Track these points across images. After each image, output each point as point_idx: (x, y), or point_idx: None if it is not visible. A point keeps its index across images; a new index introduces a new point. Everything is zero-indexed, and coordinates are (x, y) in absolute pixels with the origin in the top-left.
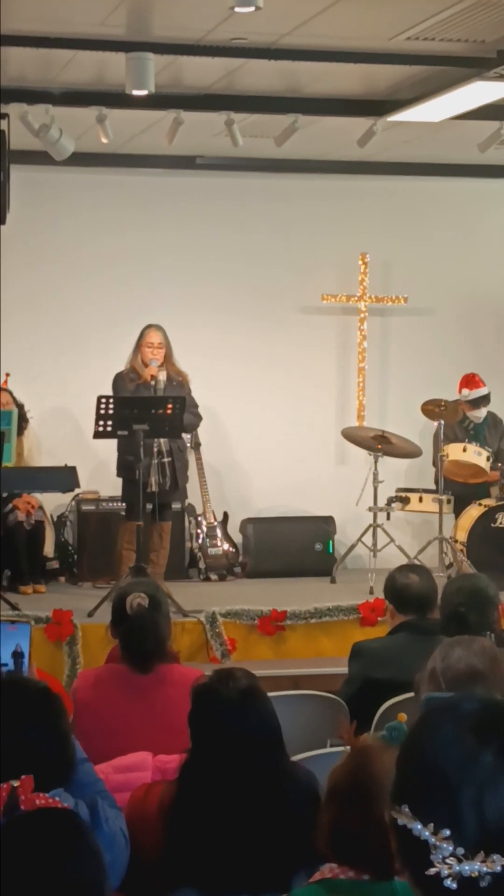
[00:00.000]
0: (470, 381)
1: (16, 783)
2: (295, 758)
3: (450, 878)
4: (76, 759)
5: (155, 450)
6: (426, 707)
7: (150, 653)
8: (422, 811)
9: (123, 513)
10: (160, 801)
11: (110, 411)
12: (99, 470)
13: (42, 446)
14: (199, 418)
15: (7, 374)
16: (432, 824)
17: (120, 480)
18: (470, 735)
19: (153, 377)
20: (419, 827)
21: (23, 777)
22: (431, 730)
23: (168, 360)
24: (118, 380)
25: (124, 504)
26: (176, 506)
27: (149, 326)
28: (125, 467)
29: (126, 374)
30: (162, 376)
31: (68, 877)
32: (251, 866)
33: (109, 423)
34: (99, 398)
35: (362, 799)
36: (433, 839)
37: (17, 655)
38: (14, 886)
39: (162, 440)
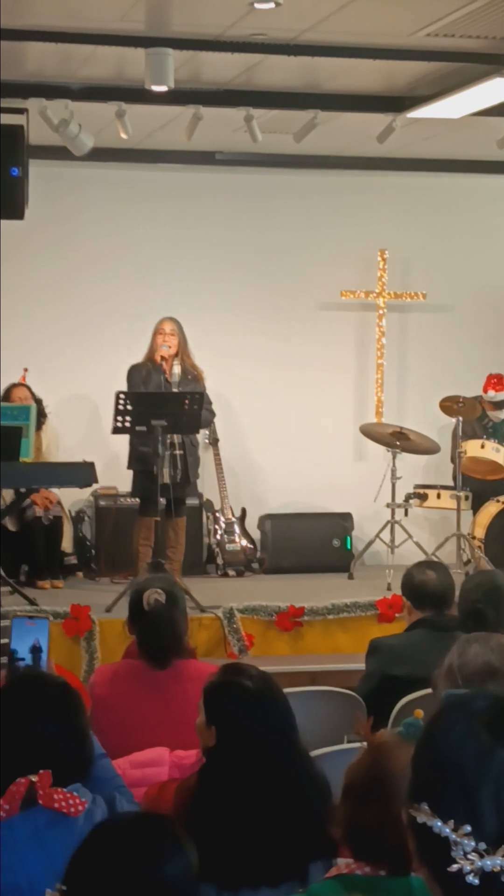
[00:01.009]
0: (498, 382)
1: (34, 778)
2: (312, 753)
3: (472, 874)
4: (94, 754)
5: (168, 441)
6: (439, 705)
7: (168, 648)
8: (441, 808)
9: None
10: (175, 799)
11: (129, 407)
12: (112, 464)
13: (59, 441)
14: (213, 414)
15: (25, 370)
16: (452, 821)
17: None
18: (484, 731)
19: (163, 358)
20: (439, 824)
21: (41, 772)
22: (445, 728)
23: (183, 354)
24: (132, 371)
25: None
26: (192, 501)
27: (163, 318)
28: (139, 459)
29: (142, 364)
30: (177, 369)
31: (158, 885)
32: (270, 859)
33: (128, 418)
34: (117, 394)
35: (379, 795)
36: (454, 836)
37: (35, 650)
38: (104, 885)
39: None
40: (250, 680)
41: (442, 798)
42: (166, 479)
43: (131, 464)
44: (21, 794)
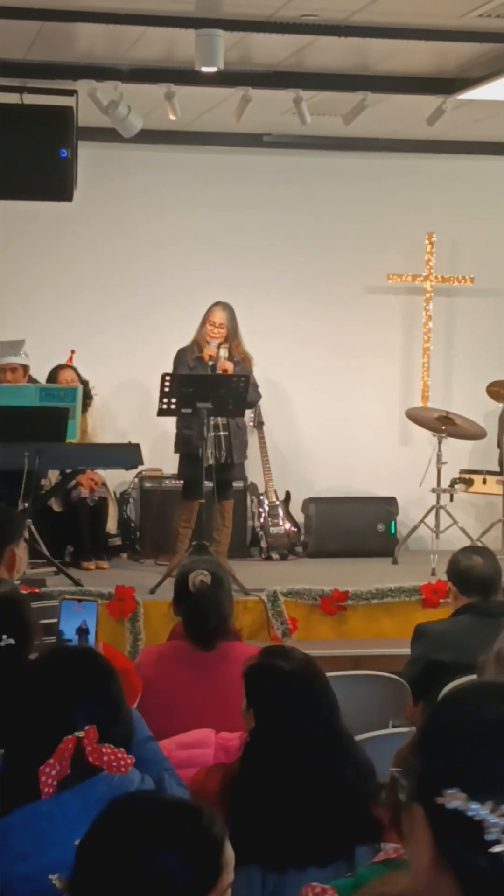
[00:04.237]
0: None
1: (80, 734)
2: (356, 738)
3: None
4: (135, 727)
5: (211, 423)
6: (443, 699)
7: (213, 630)
8: (475, 790)
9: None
10: (222, 781)
11: (174, 389)
12: (157, 446)
13: (105, 423)
14: (259, 396)
15: (72, 351)
16: (490, 802)
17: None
18: None
19: (211, 357)
20: (475, 806)
21: (87, 727)
22: (471, 713)
23: (232, 339)
24: (179, 355)
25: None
26: (237, 484)
27: (216, 304)
28: (184, 442)
29: (188, 348)
30: (223, 353)
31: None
32: (313, 840)
33: (173, 400)
34: (163, 376)
35: None
36: (492, 817)
37: (82, 632)
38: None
39: None
40: (286, 662)
41: (475, 779)
42: (210, 461)
43: (178, 447)
44: (70, 751)
